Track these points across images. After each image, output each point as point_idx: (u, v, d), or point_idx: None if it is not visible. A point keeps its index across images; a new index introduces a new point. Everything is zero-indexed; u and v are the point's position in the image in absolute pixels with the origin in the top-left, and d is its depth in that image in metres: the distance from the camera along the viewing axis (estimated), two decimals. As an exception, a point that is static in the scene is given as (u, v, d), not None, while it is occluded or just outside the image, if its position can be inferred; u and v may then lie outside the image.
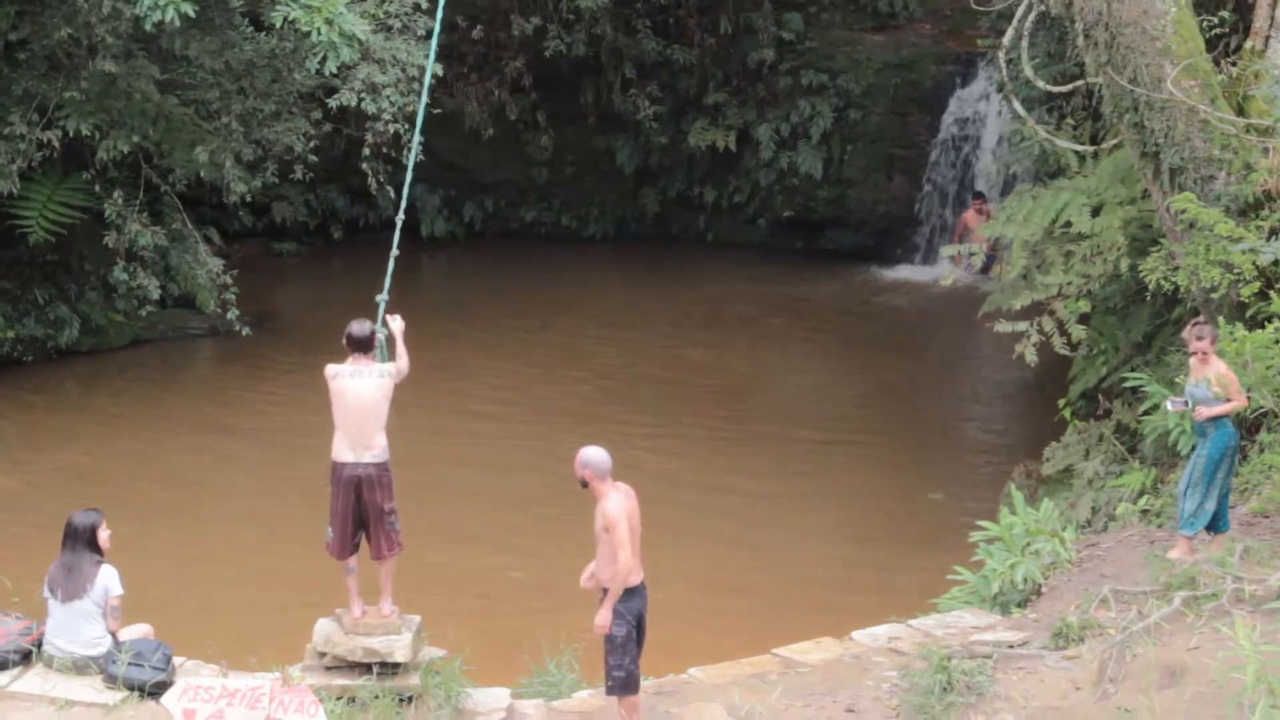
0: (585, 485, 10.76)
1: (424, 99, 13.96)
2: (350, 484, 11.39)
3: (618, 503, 10.62)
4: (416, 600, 12.37)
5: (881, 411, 23.73)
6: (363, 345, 11.56)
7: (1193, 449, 13.77)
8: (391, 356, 11.75)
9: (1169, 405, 14.10)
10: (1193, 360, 13.52)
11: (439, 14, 14.15)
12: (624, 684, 10.82)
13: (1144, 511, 14.99)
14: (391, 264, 12.59)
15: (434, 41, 14.13)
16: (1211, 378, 13.19)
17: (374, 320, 11.89)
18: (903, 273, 31.75)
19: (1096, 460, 17.23)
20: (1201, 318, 14.14)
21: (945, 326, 28.23)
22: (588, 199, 34.13)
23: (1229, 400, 13.23)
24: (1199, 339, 13.38)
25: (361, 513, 11.49)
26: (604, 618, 10.64)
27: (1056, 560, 13.93)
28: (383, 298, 12.15)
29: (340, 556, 11.61)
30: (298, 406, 22.45)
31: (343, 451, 11.41)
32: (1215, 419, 13.24)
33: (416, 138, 13.89)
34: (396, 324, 11.82)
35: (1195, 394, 13.31)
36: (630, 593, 10.68)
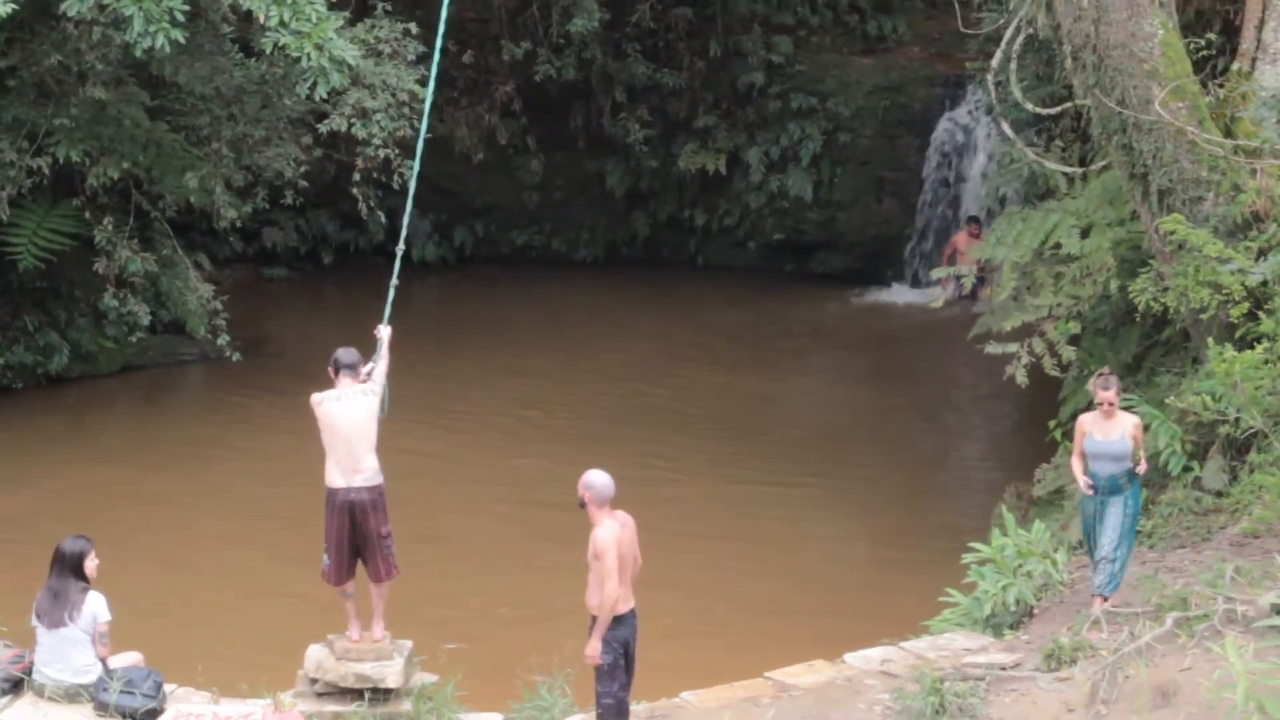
0: (583, 506, 10.74)
1: (424, 128, 13.97)
2: (344, 509, 11.41)
3: (609, 531, 10.60)
4: (408, 625, 12.36)
5: (872, 434, 23.74)
6: (350, 369, 11.61)
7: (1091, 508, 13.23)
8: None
9: (1085, 489, 13.35)
10: (1096, 415, 13.03)
11: (438, 43, 14.12)
12: (614, 711, 10.83)
13: (1135, 533, 14.97)
14: (392, 293, 12.70)
15: (434, 69, 14.10)
16: (1129, 432, 12.92)
17: (366, 350, 11.96)
18: (893, 295, 31.78)
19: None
20: (1105, 368, 13.75)
21: (936, 348, 28.26)
22: (578, 223, 34.15)
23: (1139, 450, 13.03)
24: (1105, 389, 12.93)
25: (356, 538, 11.50)
26: (593, 647, 10.64)
27: (1048, 582, 13.94)
28: (384, 328, 12.23)
29: (338, 583, 11.62)
30: (289, 432, 22.38)
31: (335, 477, 11.43)
32: (1130, 473, 12.99)
33: (417, 166, 13.88)
34: (384, 332, 11.98)
35: (1113, 450, 12.90)
36: (618, 620, 10.68)
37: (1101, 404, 12.90)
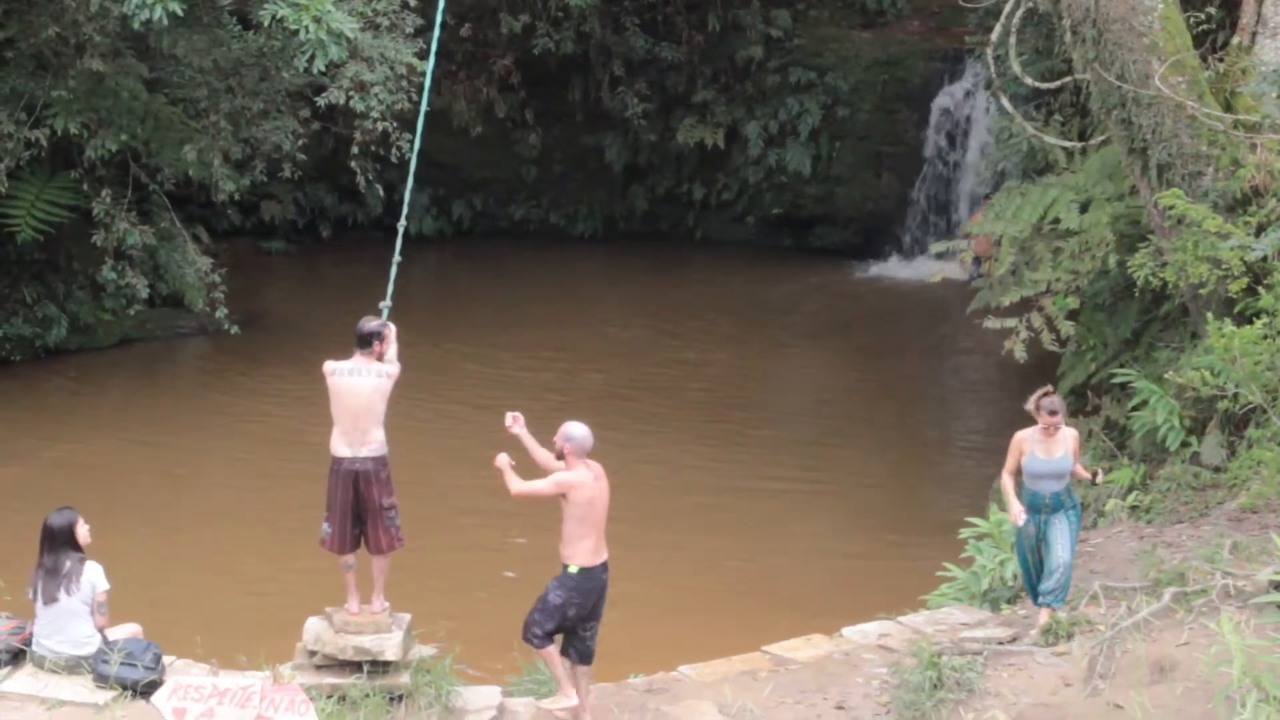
0: (562, 458, 11.07)
1: (424, 104, 13.88)
2: (348, 478, 11.39)
3: (576, 474, 10.97)
4: (407, 598, 12.36)
5: (870, 409, 23.75)
6: (363, 342, 11.56)
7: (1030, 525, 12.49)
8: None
9: (1016, 519, 12.62)
10: (1036, 433, 12.39)
11: (439, 16, 14.04)
12: (539, 641, 11.04)
13: (1133, 508, 15.00)
14: (394, 270, 12.64)
15: (434, 42, 14.03)
16: (1071, 448, 12.40)
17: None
18: (891, 270, 31.79)
19: (1086, 456, 17.23)
20: (1048, 387, 13.23)
21: (934, 323, 28.26)
22: (576, 197, 34.17)
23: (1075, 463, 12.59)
24: (1052, 413, 12.24)
25: (359, 508, 11.48)
26: (512, 485, 11.02)
27: (1046, 556, 13.92)
28: (386, 304, 12.22)
29: (340, 551, 11.59)
30: (286, 404, 22.45)
31: (340, 446, 11.41)
32: (1069, 488, 12.53)
33: (417, 143, 13.82)
34: (390, 330, 11.89)
35: (1057, 467, 12.31)
36: (586, 572, 10.97)
37: (1049, 425, 12.30)
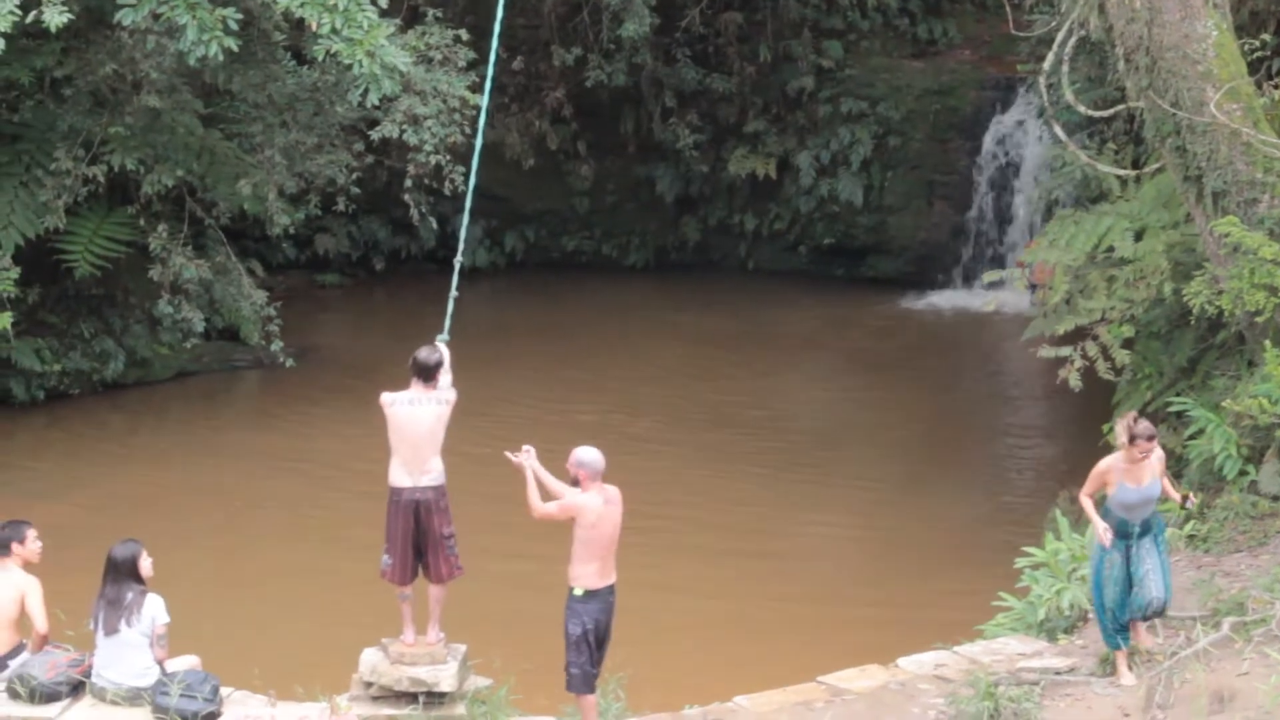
0: (577, 483, 11.10)
1: (480, 139, 13.93)
2: (409, 508, 11.47)
3: (583, 497, 11.01)
4: (462, 628, 12.39)
5: (926, 438, 23.68)
6: (426, 374, 11.63)
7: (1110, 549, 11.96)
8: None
9: (1103, 537, 12.02)
10: (1121, 463, 11.86)
11: (493, 52, 14.10)
12: (580, 681, 11.16)
13: (1190, 536, 14.89)
14: (451, 305, 12.78)
15: (489, 77, 14.10)
16: (1158, 470, 11.93)
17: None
18: (945, 299, 31.70)
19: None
20: (1133, 413, 12.46)
21: (988, 352, 28.17)
22: (628, 228, 34.22)
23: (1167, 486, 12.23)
24: (1149, 438, 11.70)
25: (419, 538, 11.55)
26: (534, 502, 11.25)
27: (1103, 586, 13.83)
28: (443, 337, 12.31)
29: (401, 582, 11.65)
30: (342, 437, 22.54)
31: (400, 477, 11.49)
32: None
33: (473, 179, 13.91)
34: (446, 356, 11.98)
35: (1150, 494, 11.88)
36: (592, 595, 11.05)
37: (1146, 453, 11.78)
